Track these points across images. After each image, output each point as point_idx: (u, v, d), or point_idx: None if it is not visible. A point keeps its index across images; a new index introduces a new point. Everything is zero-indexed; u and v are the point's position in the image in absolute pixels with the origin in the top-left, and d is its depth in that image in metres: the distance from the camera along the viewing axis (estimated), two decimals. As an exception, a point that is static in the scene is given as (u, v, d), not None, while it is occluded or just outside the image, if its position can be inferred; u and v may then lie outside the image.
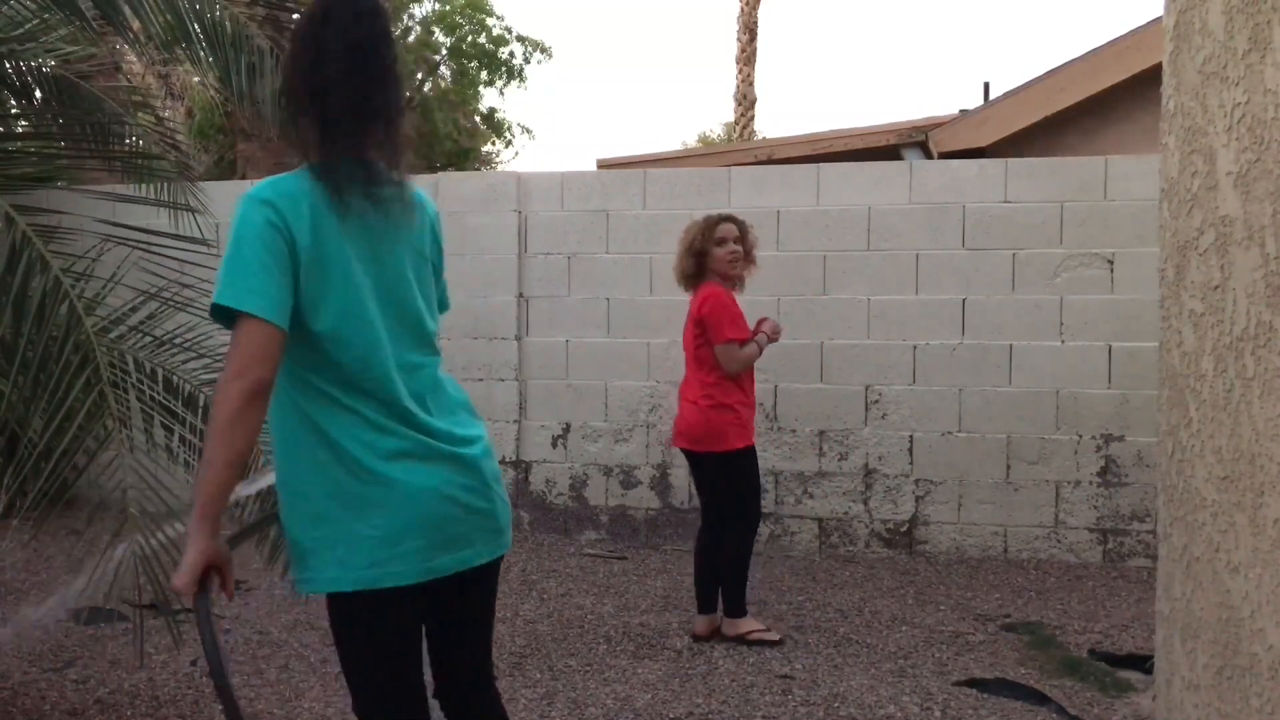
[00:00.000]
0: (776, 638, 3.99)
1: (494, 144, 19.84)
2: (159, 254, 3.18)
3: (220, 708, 1.95)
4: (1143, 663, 3.69)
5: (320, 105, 1.71)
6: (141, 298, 3.22)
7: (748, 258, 4.10)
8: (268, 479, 2.88)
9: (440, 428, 1.78)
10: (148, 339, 3.25)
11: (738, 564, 4.02)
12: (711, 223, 4.09)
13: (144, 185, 3.63)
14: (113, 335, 3.00)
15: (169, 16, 3.50)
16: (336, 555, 1.71)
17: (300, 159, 1.74)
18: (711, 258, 4.03)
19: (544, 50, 19.25)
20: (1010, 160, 5.46)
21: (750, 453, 4.02)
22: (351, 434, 1.71)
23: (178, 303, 3.28)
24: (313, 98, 1.71)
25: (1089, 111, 6.84)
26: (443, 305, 1.96)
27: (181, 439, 3.07)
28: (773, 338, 4.06)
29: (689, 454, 4.11)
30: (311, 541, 1.74)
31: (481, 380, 5.75)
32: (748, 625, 4.01)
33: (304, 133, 1.74)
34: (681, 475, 5.58)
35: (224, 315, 1.65)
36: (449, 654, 1.93)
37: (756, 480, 4.10)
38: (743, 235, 4.09)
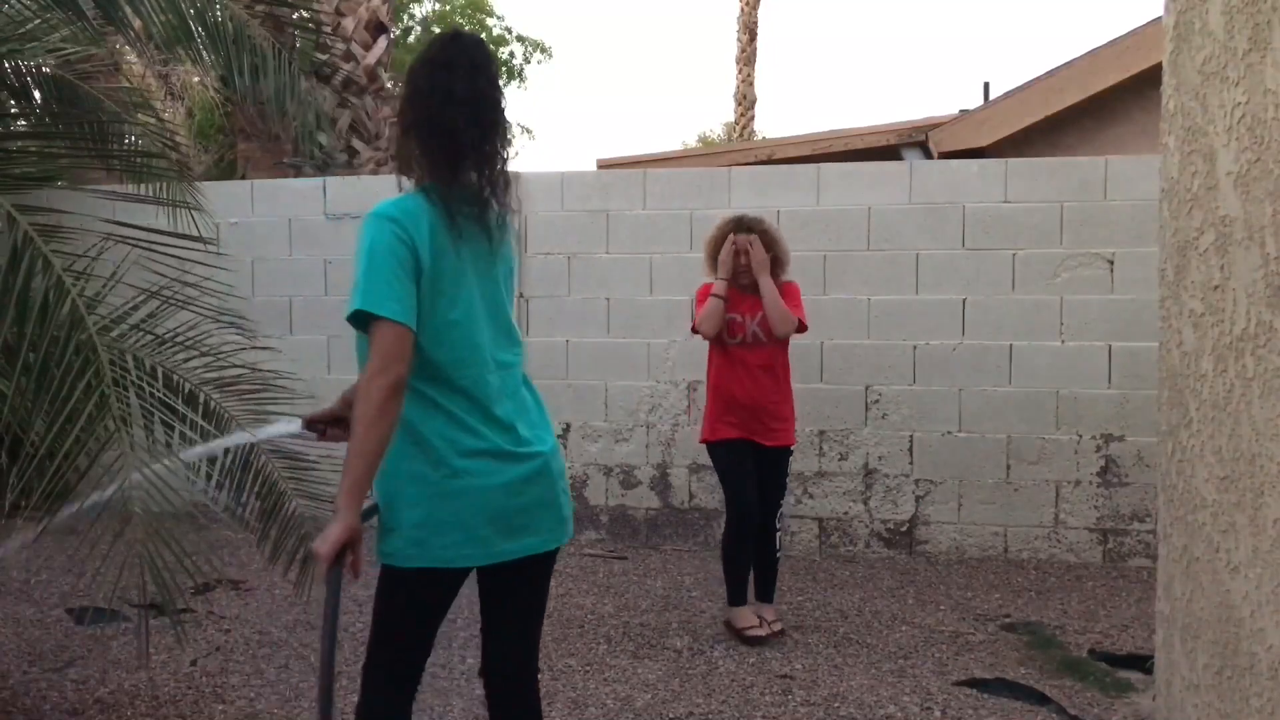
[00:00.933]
0: (761, 634, 4.03)
1: (494, 144, 19.81)
2: (160, 253, 3.18)
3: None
4: (1143, 663, 3.69)
5: (442, 142, 1.97)
6: (142, 296, 3.22)
7: (776, 260, 4.13)
8: (240, 437, 3.17)
9: (516, 428, 2.01)
10: (149, 337, 3.25)
11: (725, 557, 4.15)
12: (726, 228, 4.19)
13: (144, 185, 3.63)
14: (114, 334, 3.00)
15: (170, 16, 3.50)
16: (417, 535, 1.94)
17: (416, 182, 2.00)
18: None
19: (544, 50, 19.28)
20: (1010, 160, 5.46)
21: (717, 447, 4.15)
22: (438, 430, 1.95)
23: (179, 301, 3.28)
24: (437, 135, 1.97)
25: (1089, 111, 6.84)
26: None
27: (182, 435, 3.07)
28: (730, 273, 4.09)
29: None
30: (401, 522, 1.96)
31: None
32: (738, 617, 4.09)
33: (424, 162, 1.99)
34: (681, 475, 5.59)
35: (360, 320, 1.88)
36: (500, 636, 2.15)
37: (730, 475, 4.14)
38: (767, 242, 4.12)
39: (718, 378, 4.17)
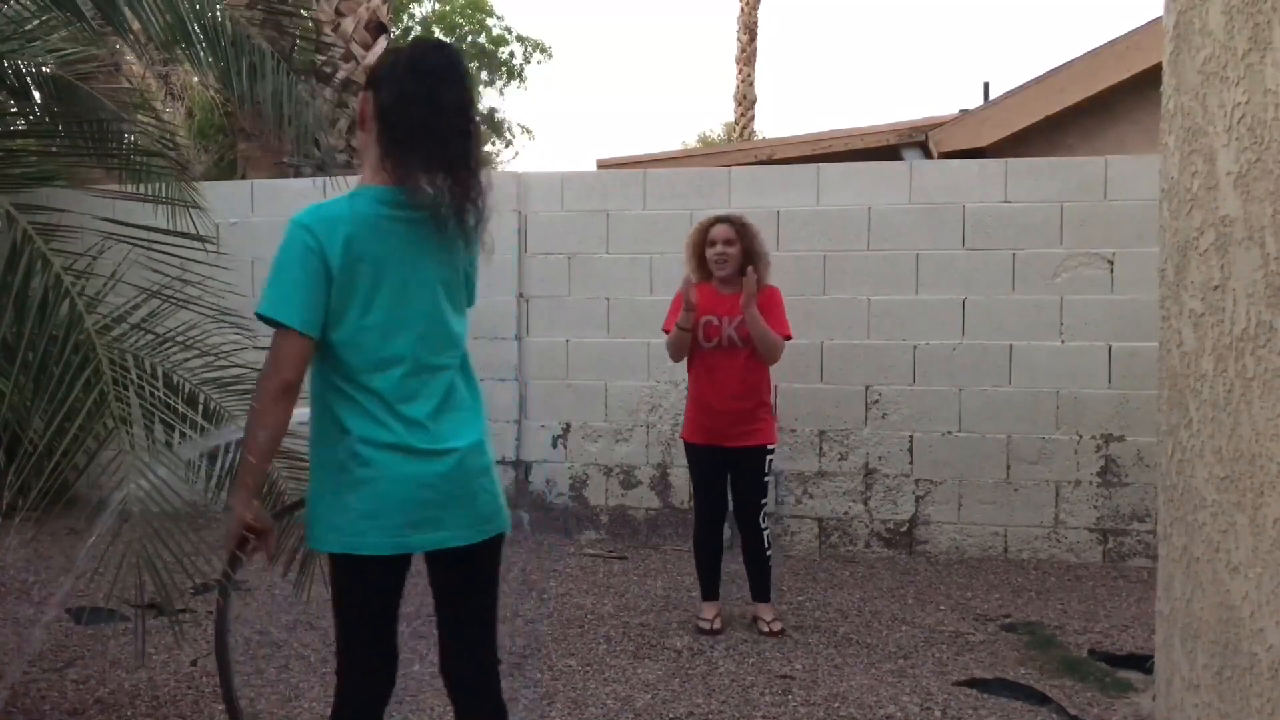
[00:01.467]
0: (705, 627, 4.15)
1: (494, 144, 19.85)
2: (160, 252, 3.18)
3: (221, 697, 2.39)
4: (1143, 663, 3.69)
5: (412, 144, 1.98)
6: (142, 296, 3.22)
7: (751, 255, 4.12)
8: (228, 434, 3.26)
9: (429, 427, 2.05)
10: (149, 337, 3.25)
11: (694, 552, 4.29)
12: (705, 225, 4.22)
13: (143, 184, 3.63)
14: (114, 334, 2.99)
15: (169, 17, 3.50)
16: (333, 521, 2.03)
17: (361, 183, 2.05)
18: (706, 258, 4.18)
19: (544, 50, 19.28)
20: (1010, 160, 5.46)
21: (688, 449, 4.25)
22: (352, 423, 2.01)
23: (179, 301, 3.27)
24: (406, 137, 1.98)
25: (1089, 111, 6.84)
26: (470, 300, 2.26)
27: (182, 435, 3.06)
28: (689, 311, 4.06)
29: None
30: (318, 508, 2.06)
31: (482, 380, 5.65)
32: (699, 609, 4.29)
33: (388, 164, 2.00)
34: (681, 475, 5.58)
35: (267, 320, 1.97)
36: (445, 629, 2.21)
37: (694, 478, 4.27)
38: (740, 234, 4.13)
39: (693, 380, 4.20)
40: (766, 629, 4.12)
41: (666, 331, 4.21)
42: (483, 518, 2.12)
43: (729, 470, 4.13)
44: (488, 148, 19.53)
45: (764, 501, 4.15)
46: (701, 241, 4.19)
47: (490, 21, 18.94)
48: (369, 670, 2.13)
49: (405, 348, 2.03)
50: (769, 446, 4.15)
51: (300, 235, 1.95)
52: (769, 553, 4.19)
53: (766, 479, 4.15)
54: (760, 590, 4.21)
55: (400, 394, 2.02)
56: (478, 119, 2.08)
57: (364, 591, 2.08)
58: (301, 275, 1.94)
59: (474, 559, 2.15)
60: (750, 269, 3.97)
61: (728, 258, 4.09)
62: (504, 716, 2.22)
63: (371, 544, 2.01)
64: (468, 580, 2.18)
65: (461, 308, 2.18)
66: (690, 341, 4.12)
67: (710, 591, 4.24)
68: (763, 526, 4.15)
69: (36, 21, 3.29)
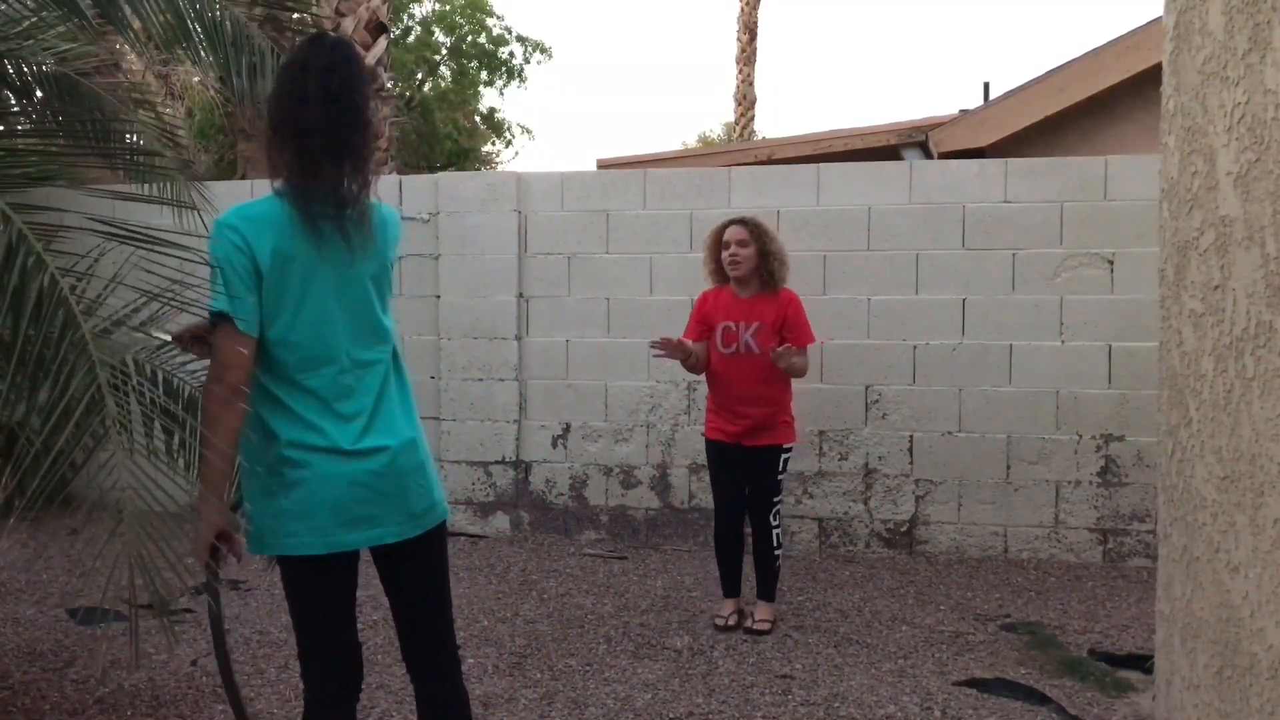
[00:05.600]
0: (720, 624, 4.20)
1: (494, 144, 19.84)
2: (161, 253, 3.17)
3: (224, 693, 2.49)
4: (1143, 663, 3.69)
5: (299, 142, 1.99)
6: (143, 299, 3.21)
7: (765, 256, 4.13)
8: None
9: (361, 425, 2.07)
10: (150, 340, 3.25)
11: (715, 548, 4.35)
12: (720, 228, 4.25)
13: (145, 184, 3.63)
14: (113, 336, 2.99)
15: (169, 16, 3.50)
16: (267, 524, 2.05)
17: (275, 182, 2.04)
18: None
19: (544, 50, 19.25)
20: (1010, 160, 5.45)
21: (708, 447, 4.31)
22: (282, 426, 2.02)
23: (180, 303, 3.27)
24: (293, 135, 2.00)
25: (1089, 111, 6.84)
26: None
27: (182, 442, 3.06)
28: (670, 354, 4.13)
29: None
30: (254, 510, 2.07)
31: (481, 380, 5.75)
32: (717, 607, 4.34)
33: (282, 162, 2.02)
34: (681, 475, 5.58)
35: (214, 316, 1.98)
36: (401, 621, 2.25)
37: (713, 476, 4.34)
38: (754, 236, 4.15)
39: (712, 381, 4.26)
40: (752, 624, 4.15)
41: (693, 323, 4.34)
42: (415, 514, 2.14)
43: (747, 467, 4.16)
44: (486, 147, 19.51)
45: (777, 499, 4.18)
46: (717, 244, 4.21)
47: (490, 21, 18.92)
48: (329, 667, 2.15)
49: (341, 343, 2.05)
50: (786, 445, 4.18)
51: (227, 236, 1.98)
52: (778, 552, 4.21)
53: (781, 477, 4.19)
54: (763, 589, 4.23)
55: (335, 391, 2.04)
56: (355, 107, 2.03)
57: (306, 591, 2.11)
58: (234, 276, 1.96)
59: (416, 552, 2.18)
60: (776, 349, 3.99)
61: (740, 259, 4.12)
62: (464, 701, 2.27)
63: (305, 544, 2.04)
64: (413, 573, 2.21)
65: (387, 298, 2.17)
66: (706, 356, 4.20)
67: (731, 589, 4.30)
68: (773, 524, 4.17)
69: (36, 19, 3.29)
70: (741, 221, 4.18)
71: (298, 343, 2.01)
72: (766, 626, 4.15)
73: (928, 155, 7.38)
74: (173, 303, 3.19)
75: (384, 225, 2.14)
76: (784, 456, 4.17)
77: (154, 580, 2.54)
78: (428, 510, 2.17)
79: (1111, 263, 5.13)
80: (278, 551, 2.07)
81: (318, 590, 2.11)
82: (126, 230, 2.86)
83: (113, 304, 3.07)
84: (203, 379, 3.40)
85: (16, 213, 2.66)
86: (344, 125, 2.01)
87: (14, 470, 2.49)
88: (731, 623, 4.19)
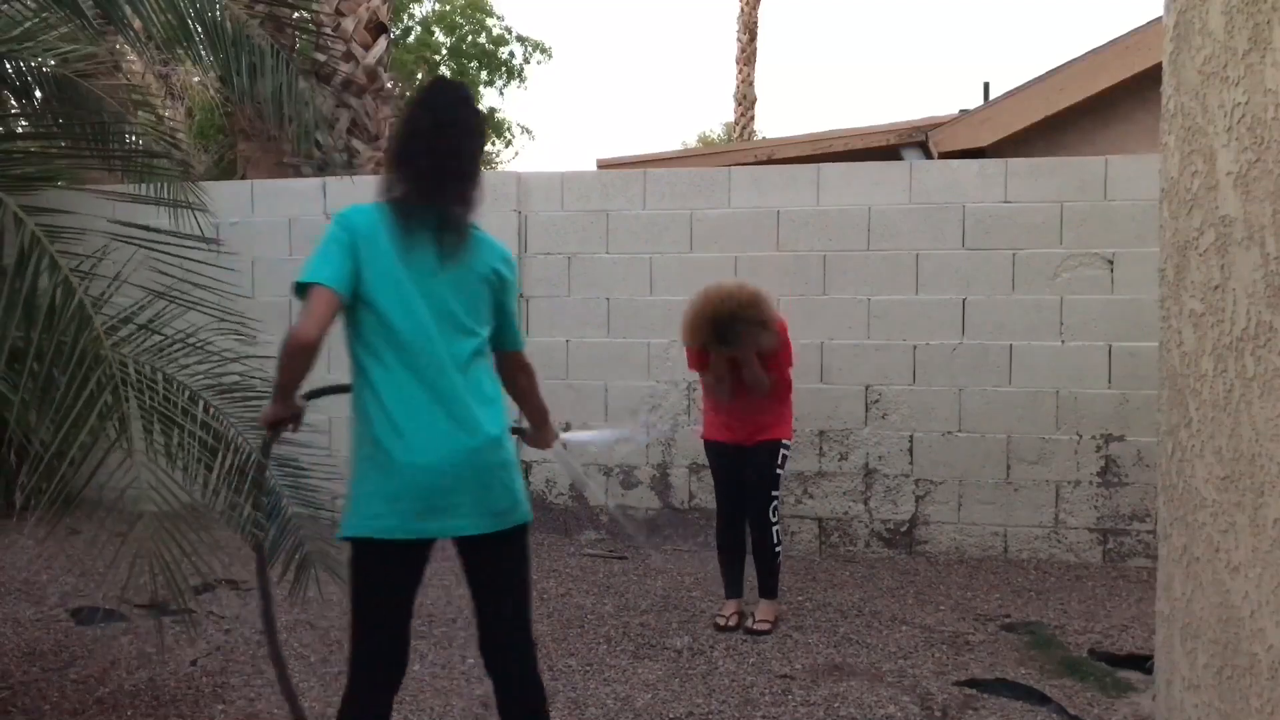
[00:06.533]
0: (721, 624, 4.21)
1: (494, 144, 19.84)
2: (164, 253, 3.18)
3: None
4: (1143, 663, 3.69)
5: (410, 165, 2.26)
6: (147, 298, 3.22)
7: (762, 332, 4.01)
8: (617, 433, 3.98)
9: (455, 415, 2.19)
10: (153, 339, 3.25)
11: (717, 548, 4.39)
12: (701, 324, 4.01)
13: (146, 185, 3.63)
14: (120, 335, 2.99)
15: (170, 16, 3.50)
16: (356, 504, 2.18)
17: (384, 196, 2.27)
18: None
19: (544, 50, 19.27)
20: (1010, 160, 5.46)
21: (707, 447, 4.37)
22: (379, 410, 2.17)
23: (185, 302, 3.27)
24: (414, 162, 2.27)
25: (1089, 111, 6.84)
26: (516, 340, 2.45)
27: (181, 445, 3.06)
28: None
29: None
30: (350, 490, 2.22)
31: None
32: (719, 606, 4.35)
33: (395, 180, 2.28)
34: (681, 475, 5.59)
35: (302, 293, 2.16)
36: (478, 612, 2.36)
37: (714, 475, 4.40)
38: (749, 335, 3.97)
39: (708, 393, 4.31)
40: (752, 624, 4.15)
41: (690, 368, 4.39)
42: (496, 510, 2.24)
43: (745, 463, 4.18)
44: (487, 147, 19.54)
45: (775, 494, 4.19)
46: (700, 326, 4.01)
47: (490, 21, 18.93)
48: (375, 655, 2.25)
49: (433, 334, 2.20)
50: (783, 441, 4.19)
51: (338, 223, 2.23)
52: (777, 549, 4.21)
53: (778, 472, 4.19)
54: (764, 587, 4.24)
55: (423, 384, 2.18)
56: (473, 144, 2.32)
57: (374, 575, 2.22)
58: (332, 246, 2.18)
59: (497, 549, 2.29)
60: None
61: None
62: (539, 693, 2.39)
63: (384, 529, 2.15)
64: (493, 569, 2.32)
65: (477, 307, 2.30)
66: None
67: (732, 589, 4.32)
68: (772, 520, 4.17)
69: (36, 20, 3.29)
70: (726, 337, 3.94)
71: (389, 323, 2.17)
72: (768, 625, 4.15)
73: (928, 155, 7.38)
74: (177, 302, 3.19)
75: (486, 248, 2.33)
76: (782, 452, 4.19)
77: (174, 578, 2.55)
78: (510, 509, 2.27)
79: (1111, 263, 5.13)
80: (357, 532, 2.17)
81: (385, 576, 2.22)
82: (147, 234, 2.87)
83: (119, 303, 3.07)
84: (205, 382, 3.42)
85: (29, 215, 2.66)
86: (450, 154, 2.27)
87: (31, 472, 2.50)
88: (732, 623, 4.20)
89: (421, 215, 2.24)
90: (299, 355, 2.13)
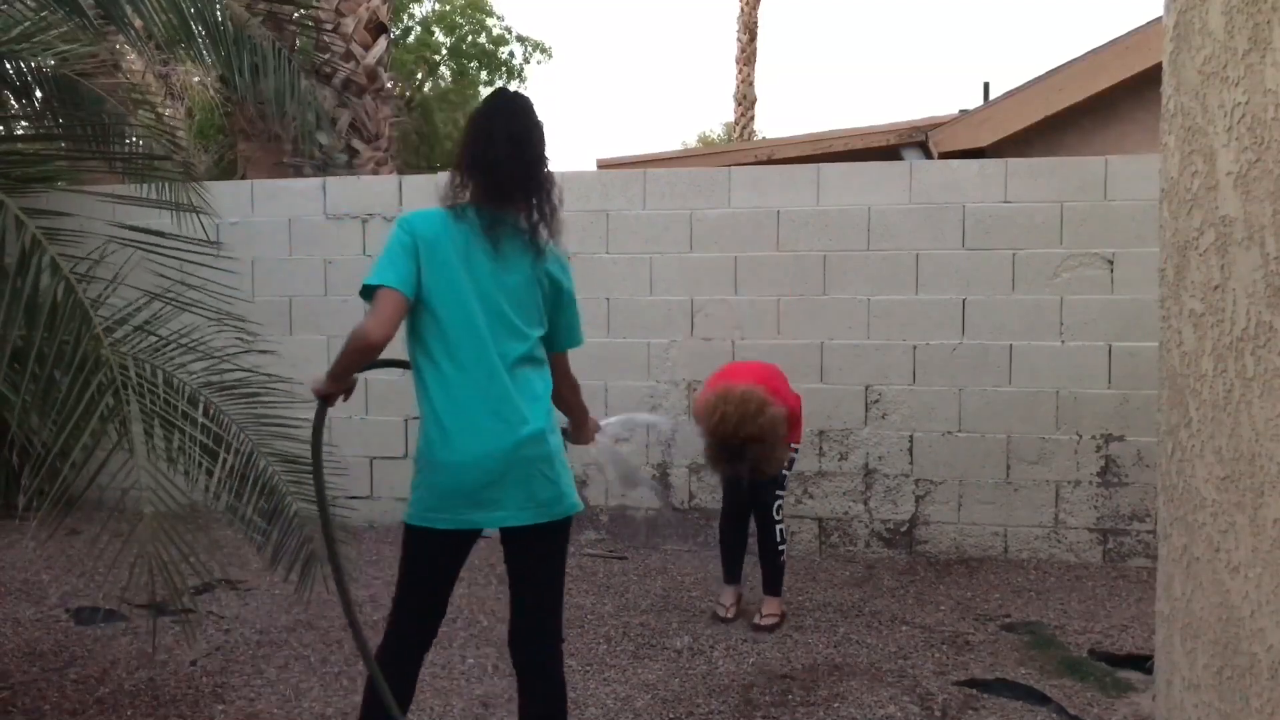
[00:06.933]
0: (721, 615, 4.29)
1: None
2: (163, 254, 3.18)
3: None
4: (1143, 663, 3.69)
5: (483, 174, 2.36)
6: (144, 299, 3.22)
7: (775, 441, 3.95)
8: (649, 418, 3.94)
9: (503, 411, 2.30)
10: (150, 339, 3.25)
11: (719, 541, 4.45)
12: (717, 443, 3.92)
13: (146, 185, 3.63)
14: (117, 335, 2.99)
15: (171, 15, 3.50)
16: (415, 495, 2.36)
17: (448, 201, 2.38)
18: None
19: (544, 50, 19.27)
20: (1010, 160, 5.45)
21: None
22: (436, 405, 2.30)
23: (182, 303, 3.27)
24: (479, 168, 2.36)
25: (1089, 111, 6.84)
26: (572, 339, 2.57)
27: (181, 448, 3.05)
28: None
29: None
30: (413, 480, 2.38)
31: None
32: (718, 594, 4.43)
33: (461, 186, 2.38)
34: (681, 475, 5.58)
35: (368, 295, 2.28)
36: (513, 602, 2.46)
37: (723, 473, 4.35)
38: (762, 453, 3.89)
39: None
40: (759, 619, 4.17)
41: None
42: (540, 502, 2.35)
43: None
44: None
45: (779, 493, 4.21)
46: (715, 442, 3.91)
47: (490, 21, 18.93)
48: (406, 622, 2.44)
49: (485, 334, 2.31)
50: (791, 444, 4.19)
51: (401, 227, 2.34)
52: (781, 547, 4.23)
53: (784, 473, 4.20)
54: (769, 584, 4.27)
55: (474, 380, 2.29)
56: (536, 152, 2.39)
57: (424, 563, 2.39)
58: (397, 250, 2.30)
59: (539, 539, 2.40)
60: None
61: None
62: (560, 691, 2.45)
63: (435, 519, 2.32)
64: (530, 558, 2.42)
65: (531, 310, 2.41)
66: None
67: (731, 575, 4.37)
68: (776, 520, 4.20)
69: (36, 19, 3.29)
70: (740, 454, 3.85)
71: (444, 326, 2.29)
72: (775, 619, 4.17)
73: (928, 155, 7.39)
74: (176, 303, 3.19)
75: (549, 255, 2.44)
76: (790, 455, 4.21)
77: (173, 579, 2.56)
78: (554, 500, 2.38)
79: (1111, 263, 5.13)
80: (411, 520, 2.35)
81: (431, 559, 2.39)
82: (147, 236, 2.87)
83: (115, 304, 3.07)
84: (207, 379, 3.43)
85: (30, 217, 2.66)
86: (520, 164, 2.36)
87: (33, 474, 2.51)
88: (731, 614, 4.24)
89: (486, 220, 2.35)
90: (364, 353, 2.26)
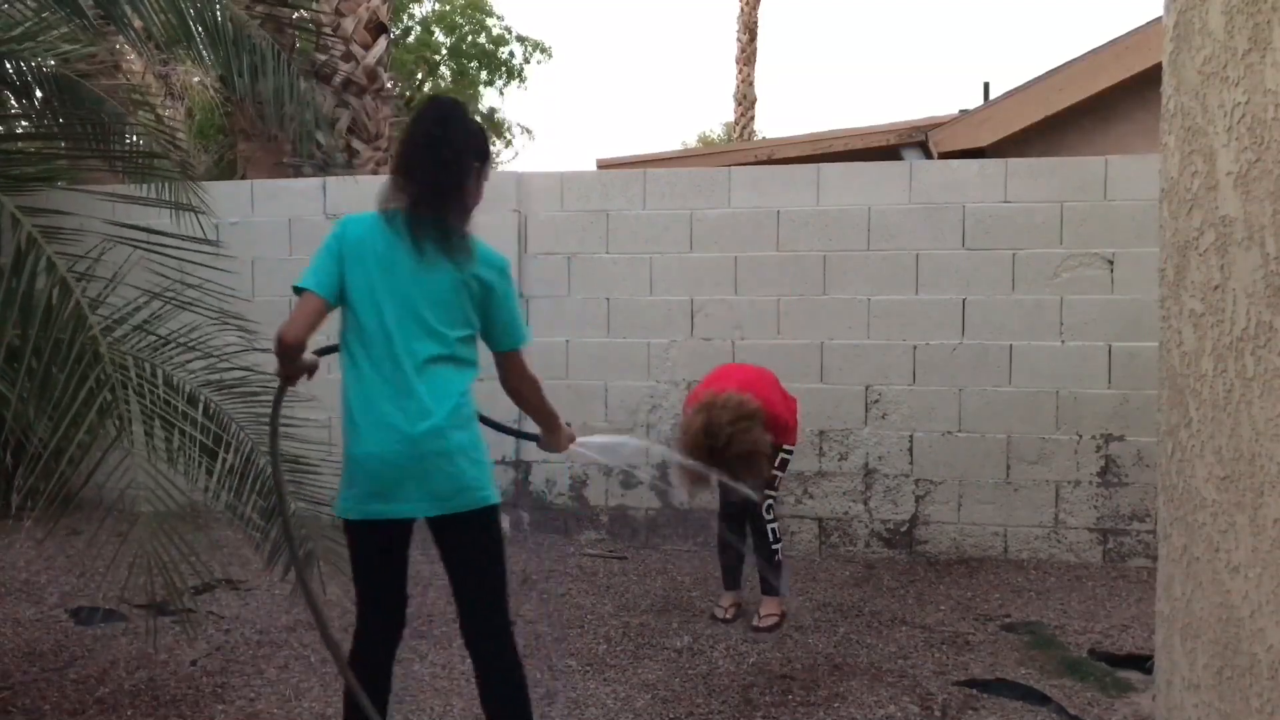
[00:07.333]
0: (719, 615, 4.30)
1: (494, 144, 19.85)
2: (162, 254, 3.18)
3: None
4: (1143, 663, 3.69)
5: (407, 178, 2.45)
6: (144, 298, 3.22)
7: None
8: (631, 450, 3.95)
9: (407, 406, 2.37)
10: (150, 339, 3.25)
11: (717, 545, 4.47)
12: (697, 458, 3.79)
13: (146, 185, 3.63)
14: (115, 335, 2.99)
15: (170, 16, 3.50)
16: (340, 488, 2.47)
17: (380, 205, 2.48)
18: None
19: (544, 50, 19.28)
20: (1010, 160, 5.45)
21: None
22: (351, 401, 2.42)
23: (181, 302, 3.27)
24: (403, 172, 2.46)
25: (1089, 111, 6.84)
26: (512, 339, 2.61)
27: (181, 447, 3.06)
28: None
29: None
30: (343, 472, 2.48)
31: (481, 380, 5.73)
32: (721, 597, 4.41)
33: (392, 190, 2.47)
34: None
35: (296, 291, 2.42)
36: (454, 593, 2.56)
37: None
38: (742, 455, 3.78)
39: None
40: (758, 621, 4.17)
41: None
42: (440, 495, 2.41)
43: None
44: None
45: (771, 495, 4.19)
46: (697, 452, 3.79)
47: (490, 21, 18.94)
48: (363, 613, 2.55)
49: (396, 334, 2.39)
50: (784, 445, 4.17)
51: (333, 230, 2.48)
52: (776, 546, 4.21)
53: (779, 475, 4.19)
54: (764, 584, 4.26)
55: (384, 374, 2.39)
56: (455, 156, 2.45)
57: (356, 553, 2.50)
58: (322, 256, 2.43)
59: (457, 532, 2.46)
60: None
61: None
62: (516, 672, 2.54)
63: (345, 510, 2.44)
64: (456, 552, 2.50)
65: (452, 310, 2.47)
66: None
67: (729, 581, 4.38)
68: (768, 519, 4.18)
69: (36, 19, 3.29)
70: (722, 455, 3.70)
71: (361, 325, 2.40)
72: (773, 621, 4.16)
73: (928, 155, 7.38)
74: (175, 302, 3.19)
75: (478, 258, 2.50)
76: (782, 456, 4.17)
77: (173, 578, 2.56)
78: (453, 493, 2.41)
79: (1111, 263, 5.13)
80: (335, 511, 2.47)
81: (357, 550, 2.49)
82: (146, 235, 2.87)
83: (115, 302, 3.07)
84: (207, 378, 3.43)
85: (26, 215, 2.66)
86: (439, 167, 2.43)
87: (26, 474, 2.51)
88: (730, 615, 4.25)
89: (408, 223, 2.43)
90: (282, 353, 2.38)
